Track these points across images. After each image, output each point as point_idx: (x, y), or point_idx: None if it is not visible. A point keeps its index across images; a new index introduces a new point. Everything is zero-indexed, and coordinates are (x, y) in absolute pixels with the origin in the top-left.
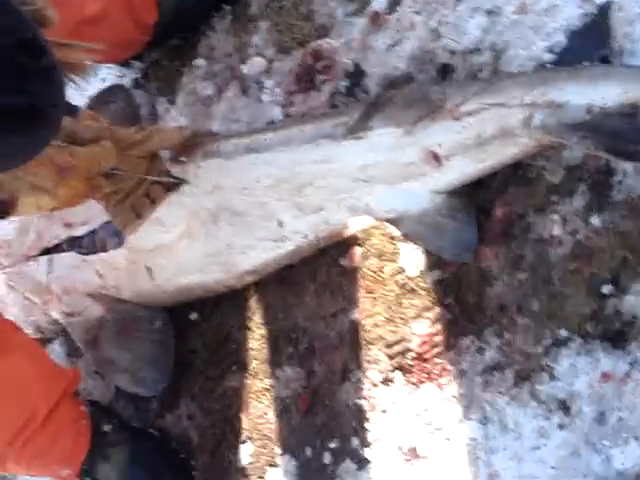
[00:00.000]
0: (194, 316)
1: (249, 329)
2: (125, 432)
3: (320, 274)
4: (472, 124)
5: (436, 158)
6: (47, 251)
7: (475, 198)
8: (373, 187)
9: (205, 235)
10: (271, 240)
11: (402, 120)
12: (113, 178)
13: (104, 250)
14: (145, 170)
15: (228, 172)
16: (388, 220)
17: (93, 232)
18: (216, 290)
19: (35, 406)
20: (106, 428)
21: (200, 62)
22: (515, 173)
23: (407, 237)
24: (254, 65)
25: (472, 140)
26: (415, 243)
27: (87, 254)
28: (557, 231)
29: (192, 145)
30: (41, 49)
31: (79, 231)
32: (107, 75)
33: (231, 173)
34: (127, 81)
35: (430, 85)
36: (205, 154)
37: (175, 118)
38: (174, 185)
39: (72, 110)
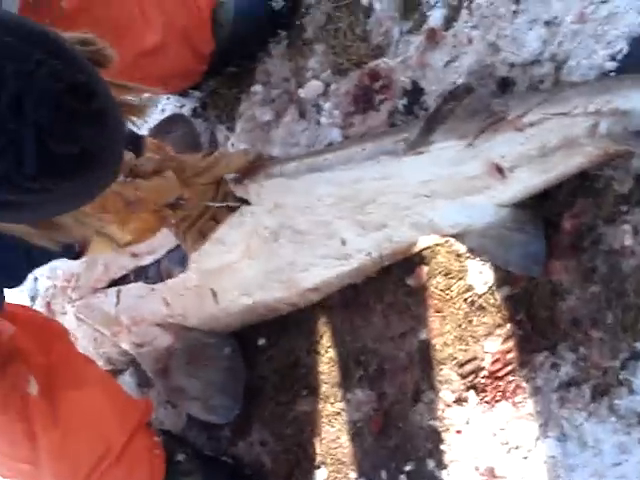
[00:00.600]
0: (262, 342)
1: (318, 353)
2: (198, 461)
3: (387, 295)
4: (535, 135)
5: (500, 170)
6: (115, 282)
7: (542, 211)
8: (436, 202)
9: (266, 253)
10: (333, 258)
11: (464, 132)
12: (179, 207)
13: (170, 278)
14: (211, 195)
15: (290, 191)
16: (453, 235)
17: (158, 262)
18: (278, 308)
19: (111, 439)
20: (180, 457)
21: (257, 88)
22: (582, 184)
23: (473, 252)
24: (311, 88)
25: (536, 151)
26: (481, 258)
27: (154, 283)
28: (629, 241)
29: (255, 167)
30: (92, 92)
31: (145, 261)
32: (166, 105)
33: (293, 192)
34: (186, 110)
35: (491, 96)
36: (267, 175)
37: (234, 145)
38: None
39: (137, 142)
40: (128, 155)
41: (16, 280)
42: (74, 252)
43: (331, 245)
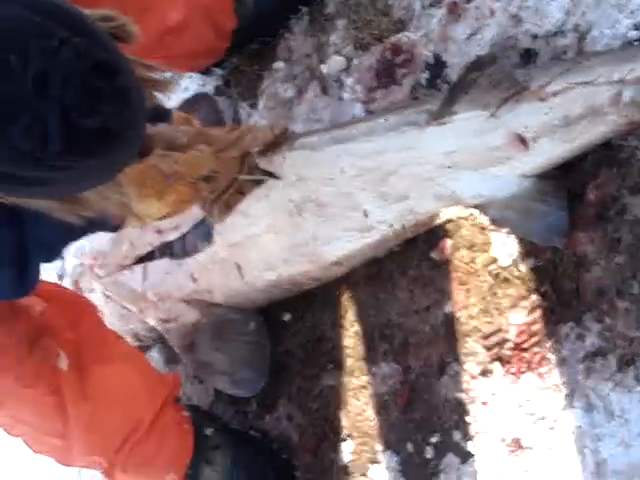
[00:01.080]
0: (287, 317)
1: (343, 327)
2: (226, 435)
3: (411, 268)
4: (559, 104)
5: (522, 141)
6: (141, 259)
7: (566, 182)
8: (459, 173)
9: (290, 226)
10: (356, 230)
11: (486, 103)
12: (212, 180)
13: (195, 253)
14: (238, 168)
15: (313, 163)
16: (475, 206)
17: (183, 237)
18: (302, 283)
19: (141, 413)
20: (208, 432)
21: (279, 65)
22: (607, 154)
23: (495, 223)
24: (333, 64)
25: (559, 121)
26: (504, 228)
27: (179, 259)
28: None
29: (279, 141)
30: (115, 70)
31: (170, 236)
32: (189, 84)
33: (316, 164)
34: (209, 88)
35: (514, 65)
36: (290, 147)
37: (258, 122)
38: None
39: (164, 114)
40: (162, 127)
41: (54, 254)
42: (111, 225)
43: (353, 217)
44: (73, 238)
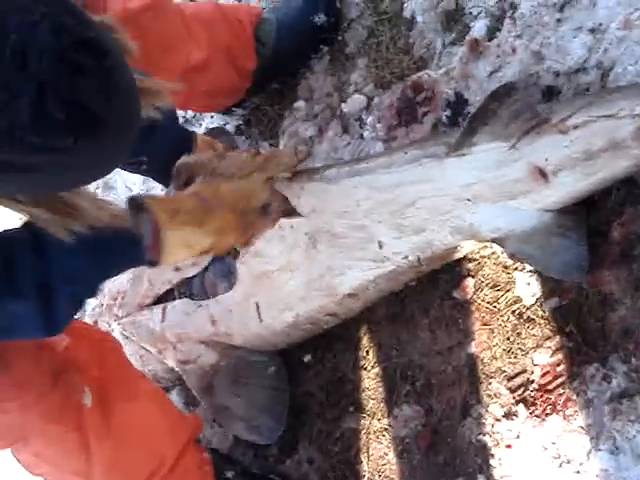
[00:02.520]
0: (307, 358)
1: (364, 369)
2: (247, 478)
3: (433, 308)
4: (580, 137)
5: (543, 174)
6: (160, 299)
7: (588, 218)
8: (477, 206)
9: (305, 260)
10: (370, 260)
11: (507, 134)
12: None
13: (214, 292)
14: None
15: (329, 195)
16: (493, 240)
17: (202, 274)
18: (320, 320)
19: (164, 453)
20: (229, 474)
21: (300, 104)
22: (631, 192)
23: (513, 257)
24: (354, 103)
25: (580, 154)
26: (522, 263)
27: (198, 299)
28: None
29: (298, 172)
30: (101, 50)
31: (189, 273)
32: (210, 124)
33: (332, 196)
34: (230, 128)
35: (535, 95)
36: (308, 178)
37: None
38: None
39: (188, 137)
40: (205, 155)
41: (85, 289)
42: (149, 259)
43: (368, 248)
44: (104, 272)
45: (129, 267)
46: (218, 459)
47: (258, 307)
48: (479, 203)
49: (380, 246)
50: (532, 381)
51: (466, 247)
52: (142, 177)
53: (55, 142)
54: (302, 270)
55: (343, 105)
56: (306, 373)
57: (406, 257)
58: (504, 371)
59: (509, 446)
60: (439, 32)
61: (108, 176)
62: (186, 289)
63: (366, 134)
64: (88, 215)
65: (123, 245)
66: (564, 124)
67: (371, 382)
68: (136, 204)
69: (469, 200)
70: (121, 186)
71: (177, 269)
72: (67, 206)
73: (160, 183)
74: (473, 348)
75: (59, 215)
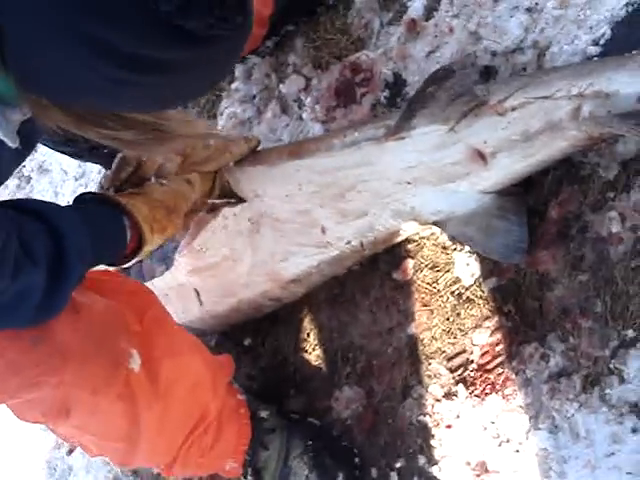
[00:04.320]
0: (248, 341)
1: (305, 351)
2: (281, 417)
3: (373, 290)
4: (517, 119)
5: (481, 156)
6: None
7: (527, 200)
8: (418, 189)
9: (250, 246)
10: (313, 246)
11: (445, 117)
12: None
13: (152, 277)
14: (210, 185)
15: (270, 179)
16: (434, 223)
17: (140, 260)
18: (263, 305)
19: (206, 405)
20: (263, 414)
21: (238, 85)
22: (568, 172)
23: (454, 239)
24: (292, 83)
25: (518, 136)
26: (464, 245)
27: None
28: (616, 228)
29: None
30: None
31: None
32: None
33: (273, 180)
34: None
35: (472, 77)
36: (248, 163)
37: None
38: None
39: None
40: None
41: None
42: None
43: (311, 233)
44: (97, 259)
45: (102, 263)
46: (251, 400)
47: (198, 293)
48: (419, 186)
49: (323, 231)
50: (471, 361)
51: (408, 230)
52: (77, 162)
53: (226, 24)
54: (246, 257)
55: (281, 86)
56: (246, 356)
57: (349, 242)
58: (444, 351)
59: (449, 426)
60: (377, 12)
61: (43, 159)
62: (123, 274)
63: (305, 115)
64: (179, 134)
65: (113, 241)
66: (502, 106)
67: (312, 364)
68: (110, 201)
69: (409, 183)
70: (57, 169)
71: None
72: (156, 128)
73: (103, 166)
74: (413, 329)
75: (149, 136)
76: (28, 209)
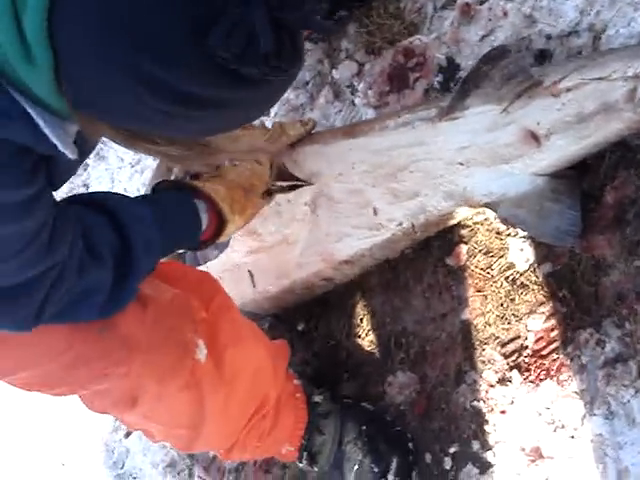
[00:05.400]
0: (301, 326)
1: (358, 336)
2: (335, 402)
3: (427, 275)
4: (572, 100)
5: (535, 137)
6: None
7: (581, 183)
8: (470, 170)
9: (305, 228)
10: (366, 228)
11: (499, 97)
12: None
13: (207, 261)
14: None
15: (325, 158)
16: (486, 204)
17: None
18: (315, 285)
19: (267, 390)
20: (317, 399)
21: None
22: (624, 155)
23: (506, 222)
24: (345, 69)
25: (572, 117)
26: (515, 228)
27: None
28: None
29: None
30: None
31: None
32: None
33: (328, 159)
34: None
35: (527, 60)
36: (304, 144)
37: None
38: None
39: None
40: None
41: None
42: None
43: (364, 214)
44: (166, 250)
45: (179, 249)
46: (306, 384)
47: (252, 275)
48: (472, 167)
49: (375, 212)
50: (526, 347)
51: (459, 214)
52: None
53: (284, 66)
54: (301, 239)
55: (334, 72)
56: (300, 341)
57: (400, 224)
58: (498, 337)
59: (503, 412)
60: None
61: (100, 147)
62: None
63: (357, 101)
64: (223, 150)
65: (184, 227)
66: (556, 87)
67: (365, 349)
68: (186, 187)
69: (462, 164)
70: (113, 156)
71: None
72: (202, 144)
73: None
74: (467, 315)
75: (196, 152)
76: (94, 202)
